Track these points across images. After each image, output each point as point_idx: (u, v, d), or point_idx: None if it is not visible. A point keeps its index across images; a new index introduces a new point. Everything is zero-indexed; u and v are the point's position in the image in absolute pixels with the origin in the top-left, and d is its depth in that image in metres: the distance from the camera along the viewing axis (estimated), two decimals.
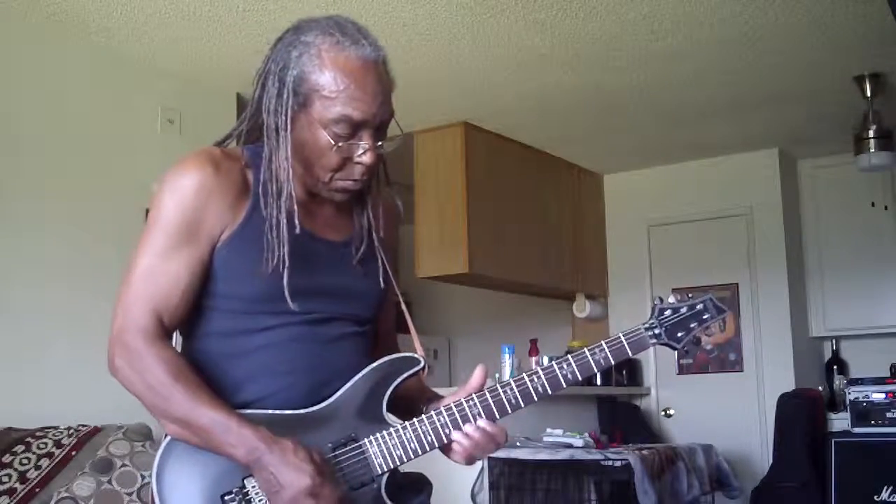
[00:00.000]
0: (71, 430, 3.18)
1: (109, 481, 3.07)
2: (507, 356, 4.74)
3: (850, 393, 4.64)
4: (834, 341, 5.71)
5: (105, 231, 3.69)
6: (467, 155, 5.02)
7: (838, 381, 5.47)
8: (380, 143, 1.50)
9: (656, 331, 1.58)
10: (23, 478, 2.97)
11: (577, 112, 4.90)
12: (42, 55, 3.70)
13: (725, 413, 5.50)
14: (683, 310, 1.60)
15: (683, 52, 4.09)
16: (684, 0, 3.58)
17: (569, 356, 1.57)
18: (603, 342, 1.56)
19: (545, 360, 5.09)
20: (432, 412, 1.53)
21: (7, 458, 2.99)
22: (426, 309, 6.56)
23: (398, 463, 1.50)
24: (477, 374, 1.55)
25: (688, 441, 4.96)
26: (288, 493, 1.38)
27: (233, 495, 1.43)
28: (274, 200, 1.49)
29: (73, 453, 3.10)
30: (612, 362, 1.56)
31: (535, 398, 1.54)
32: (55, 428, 3.18)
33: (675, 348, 1.60)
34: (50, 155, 3.66)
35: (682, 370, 5.77)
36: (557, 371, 1.55)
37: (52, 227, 3.61)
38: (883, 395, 4.52)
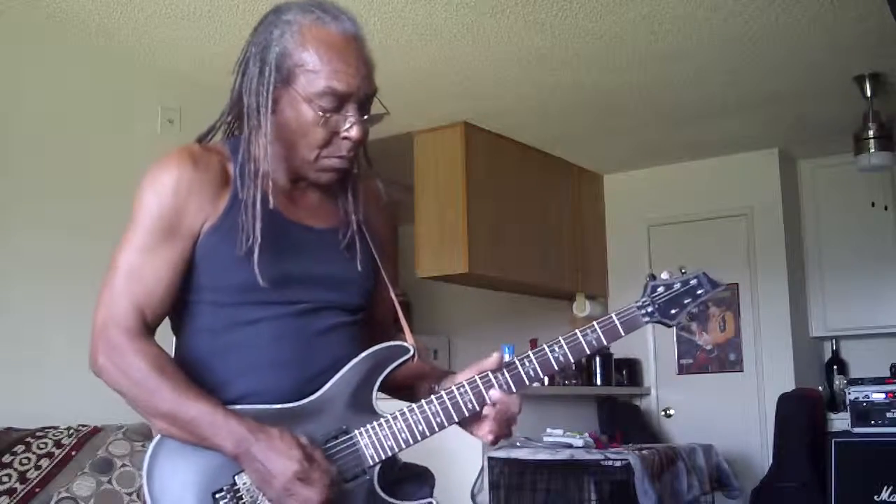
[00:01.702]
0: (71, 430, 3.18)
1: (109, 481, 3.07)
2: (507, 356, 4.73)
3: (850, 393, 4.64)
4: (834, 341, 5.70)
5: (105, 231, 3.65)
6: (467, 155, 5.02)
7: (838, 381, 5.47)
8: (365, 117, 1.50)
9: (649, 309, 1.55)
10: (23, 478, 2.96)
11: (577, 112, 4.90)
12: (42, 55, 3.70)
13: (725, 413, 5.49)
14: (677, 286, 1.56)
15: (683, 52, 4.09)
16: (684, 0, 3.58)
17: (560, 338, 1.54)
18: (595, 323, 1.54)
19: None
20: (423, 401, 1.52)
21: (7, 458, 2.99)
22: (426, 309, 6.55)
23: (390, 454, 1.49)
24: (494, 356, 1.54)
25: (688, 441, 4.96)
26: (279, 480, 1.38)
27: (224, 492, 1.43)
28: (251, 181, 1.49)
29: (73, 453, 3.10)
30: (605, 342, 1.54)
31: (528, 382, 1.53)
32: (55, 428, 3.18)
33: (668, 325, 1.56)
34: (50, 155, 3.66)
35: (682, 370, 5.77)
36: (549, 354, 1.54)
37: (52, 227, 3.61)
38: (883, 395, 4.52)
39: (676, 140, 5.44)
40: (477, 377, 1.53)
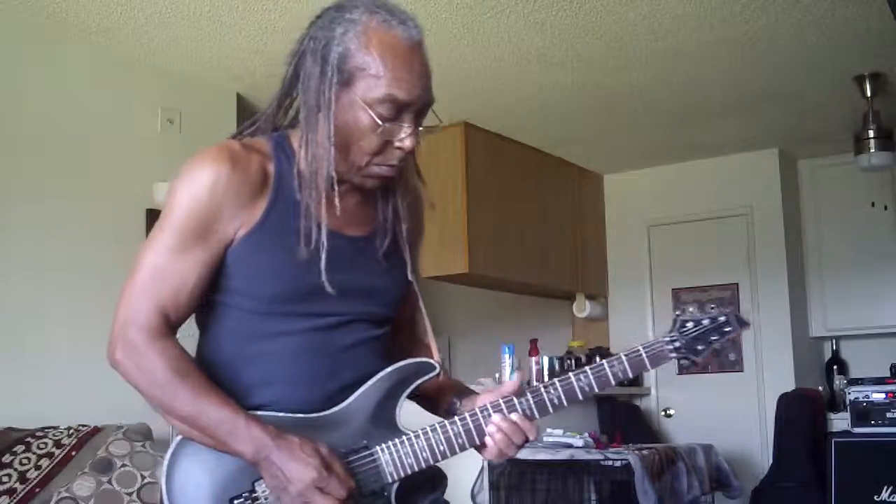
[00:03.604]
0: (71, 430, 3.18)
1: (109, 481, 3.07)
2: (507, 356, 4.74)
3: (850, 393, 4.63)
4: (834, 341, 5.71)
5: (105, 231, 3.69)
6: (467, 155, 5.02)
7: (838, 381, 5.47)
8: (420, 128, 1.47)
9: (676, 344, 1.54)
10: (23, 478, 2.97)
11: (577, 112, 4.90)
12: (42, 55, 3.70)
13: (725, 413, 5.50)
14: (705, 322, 1.55)
15: (684, 52, 4.09)
16: (684, 0, 3.58)
17: (587, 368, 1.53)
18: (622, 354, 1.53)
19: (545, 360, 5.10)
20: (446, 421, 1.50)
21: (7, 458, 2.99)
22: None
23: (409, 472, 1.47)
24: (512, 381, 1.53)
25: (688, 441, 4.96)
26: (295, 487, 1.36)
27: (242, 499, 1.41)
28: (312, 182, 1.44)
29: (73, 453, 3.10)
30: (630, 375, 1.53)
31: (551, 410, 1.52)
32: (55, 428, 3.18)
33: (694, 362, 1.56)
34: (50, 155, 3.66)
35: (682, 370, 5.76)
36: (574, 383, 1.52)
37: (52, 227, 3.61)
38: (883, 395, 4.52)
39: (676, 140, 5.45)
40: (501, 401, 1.51)
